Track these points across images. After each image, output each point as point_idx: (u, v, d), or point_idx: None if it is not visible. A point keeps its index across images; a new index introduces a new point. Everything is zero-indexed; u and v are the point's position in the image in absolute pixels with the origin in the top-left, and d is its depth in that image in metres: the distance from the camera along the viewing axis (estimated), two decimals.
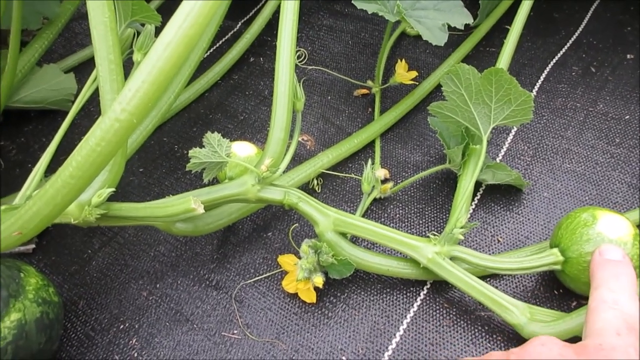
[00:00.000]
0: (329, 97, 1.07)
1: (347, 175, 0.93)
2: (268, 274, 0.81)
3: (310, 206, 0.75)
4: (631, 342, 0.51)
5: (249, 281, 0.81)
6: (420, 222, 0.87)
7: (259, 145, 0.95)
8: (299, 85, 0.76)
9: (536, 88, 1.03)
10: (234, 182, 0.74)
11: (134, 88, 0.50)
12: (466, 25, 0.90)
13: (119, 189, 0.94)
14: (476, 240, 0.84)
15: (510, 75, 1.04)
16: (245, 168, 0.75)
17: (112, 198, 0.70)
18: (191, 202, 0.63)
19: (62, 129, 0.80)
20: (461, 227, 0.72)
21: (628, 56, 1.06)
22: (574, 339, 0.68)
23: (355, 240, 0.84)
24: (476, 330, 0.74)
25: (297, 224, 0.86)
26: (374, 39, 1.18)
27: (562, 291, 0.77)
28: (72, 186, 0.54)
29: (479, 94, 0.75)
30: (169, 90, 0.95)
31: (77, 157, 0.53)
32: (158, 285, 0.82)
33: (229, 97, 1.11)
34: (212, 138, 0.71)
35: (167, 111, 0.95)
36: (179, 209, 0.63)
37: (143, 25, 0.82)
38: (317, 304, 0.77)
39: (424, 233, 0.86)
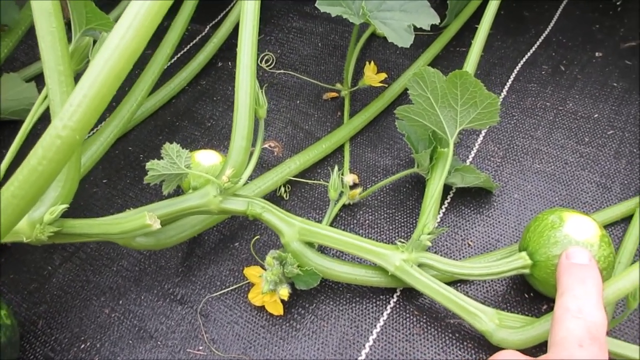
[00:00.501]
0: (298, 101, 1.05)
1: (315, 181, 0.91)
2: (234, 287, 0.79)
3: (274, 216, 0.73)
4: (594, 353, 0.50)
5: (215, 294, 0.78)
6: (391, 227, 0.86)
7: (225, 153, 0.93)
8: (262, 91, 0.74)
9: (506, 88, 1.03)
10: (195, 194, 0.72)
11: (75, 103, 0.48)
12: (434, 26, 0.89)
13: (82, 202, 0.92)
14: (446, 245, 0.83)
15: (481, 75, 1.05)
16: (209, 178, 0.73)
17: (74, 212, 0.67)
18: (146, 217, 0.60)
19: (17, 141, 0.77)
20: (429, 234, 0.71)
21: (597, 54, 1.06)
22: (544, 344, 0.67)
23: (323, 249, 0.82)
24: (447, 337, 0.72)
25: (258, 236, 0.84)
26: (344, 41, 1.17)
27: (533, 294, 0.76)
28: (15, 206, 0.52)
29: (445, 97, 0.74)
30: (131, 99, 0.93)
31: (19, 176, 0.51)
32: (121, 302, 0.79)
33: (196, 103, 1.08)
34: (171, 149, 0.69)
35: (130, 120, 0.92)
36: (134, 225, 0.61)
37: None
38: (284, 316, 0.75)
39: (394, 238, 0.84)
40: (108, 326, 0.77)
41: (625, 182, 0.87)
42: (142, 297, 0.79)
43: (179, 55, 1.19)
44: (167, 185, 0.71)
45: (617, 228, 0.82)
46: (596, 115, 0.96)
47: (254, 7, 0.72)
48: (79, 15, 0.77)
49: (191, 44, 1.21)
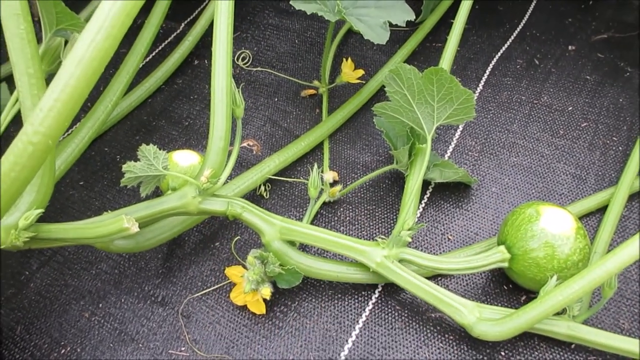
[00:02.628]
0: (276, 99, 1.05)
1: (295, 179, 0.91)
2: (216, 287, 0.79)
3: (254, 215, 0.73)
4: None
5: (196, 295, 0.78)
6: (371, 223, 0.86)
7: (203, 152, 0.92)
8: (238, 90, 0.74)
9: (482, 82, 1.04)
10: (174, 195, 0.71)
11: (46, 107, 0.47)
12: (410, 22, 0.89)
13: (58, 205, 0.90)
14: (427, 240, 0.84)
15: (457, 69, 1.05)
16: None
17: (50, 215, 0.66)
18: (124, 221, 0.59)
19: None
20: (409, 229, 0.71)
21: (570, 47, 1.07)
22: (523, 335, 0.69)
23: (305, 247, 0.82)
24: (428, 331, 0.73)
25: (239, 237, 0.84)
26: (321, 38, 1.16)
27: (512, 286, 0.78)
28: None
29: (422, 93, 0.74)
30: (106, 99, 0.91)
31: None
32: (101, 305, 0.78)
33: (173, 103, 1.07)
34: (148, 150, 0.68)
35: (105, 121, 0.91)
36: (111, 229, 0.60)
37: None
38: (267, 315, 0.75)
39: (374, 234, 0.85)
40: (88, 330, 0.76)
41: (600, 173, 0.89)
42: (123, 300, 0.78)
43: (154, 53, 1.18)
44: (145, 187, 0.70)
45: (592, 219, 0.84)
46: (570, 108, 0.97)
47: (227, 5, 0.71)
48: (49, 15, 0.75)
49: (166, 42, 1.20)
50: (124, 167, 0.67)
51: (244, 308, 0.75)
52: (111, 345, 0.74)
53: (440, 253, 0.82)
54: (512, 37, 1.11)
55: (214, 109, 0.71)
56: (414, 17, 0.88)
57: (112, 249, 0.72)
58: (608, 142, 0.92)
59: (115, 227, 0.60)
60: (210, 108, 0.71)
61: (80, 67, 0.46)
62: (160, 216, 0.71)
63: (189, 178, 0.69)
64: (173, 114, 1.05)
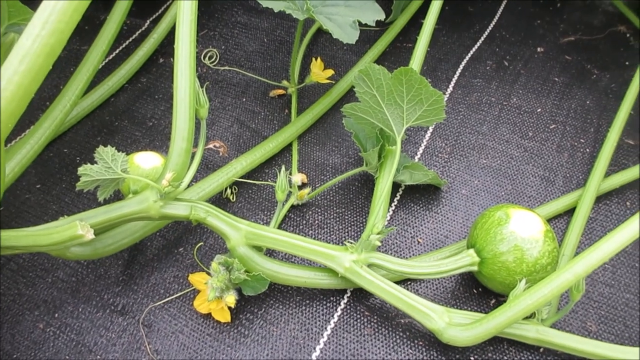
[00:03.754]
0: (244, 99, 1.02)
1: (262, 182, 0.89)
2: (179, 294, 0.76)
3: (219, 220, 0.70)
4: None
5: (159, 303, 0.75)
6: (340, 227, 0.84)
7: (167, 154, 0.89)
8: (203, 90, 0.71)
9: (452, 83, 1.03)
10: (134, 199, 0.68)
11: None
12: (381, 21, 0.88)
13: (13, 209, 0.86)
14: (397, 243, 0.82)
15: (428, 70, 1.04)
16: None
17: (4, 219, 0.62)
18: (77, 228, 0.56)
19: None
20: (378, 233, 0.70)
21: (538, 49, 1.08)
22: (493, 339, 0.68)
23: (272, 252, 0.80)
24: (397, 337, 0.72)
25: (202, 243, 0.81)
26: (290, 36, 1.14)
27: (482, 290, 0.77)
28: None
29: (391, 94, 0.73)
30: (64, 99, 0.87)
31: None
32: (57, 315, 0.74)
33: (136, 102, 1.03)
34: (105, 153, 0.65)
35: (63, 121, 0.87)
36: (65, 236, 0.57)
37: None
38: (232, 323, 0.73)
39: (344, 238, 0.83)
40: (43, 342, 0.72)
41: (568, 175, 0.89)
42: (80, 309, 0.75)
43: (117, 51, 1.14)
44: (103, 191, 0.67)
45: (560, 221, 0.84)
46: (539, 110, 0.98)
47: (191, 3, 0.68)
48: (2, 10, 0.71)
49: (130, 39, 1.16)
50: (80, 170, 0.64)
51: (208, 316, 0.73)
52: (67, 357, 0.71)
53: (411, 256, 0.81)
54: (482, 39, 1.11)
55: (176, 110, 0.68)
56: (384, 16, 0.87)
57: (68, 257, 0.68)
58: (576, 144, 0.93)
59: (69, 234, 0.57)
60: (173, 108, 0.68)
61: (25, 64, 0.43)
62: (119, 221, 0.68)
63: (149, 181, 0.66)
64: (137, 113, 1.01)
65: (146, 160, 0.79)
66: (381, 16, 0.87)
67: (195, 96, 0.70)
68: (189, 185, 0.80)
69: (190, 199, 0.71)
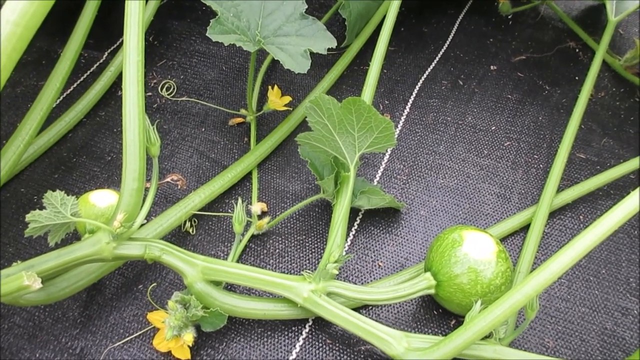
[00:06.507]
0: (203, 129, 1.02)
1: (222, 213, 0.89)
2: (138, 333, 0.75)
3: (174, 257, 0.70)
4: None
5: (118, 343, 0.74)
6: (301, 254, 0.85)
7: None
8: (153, 128, 0.71)
9: (409, 104, 1.05)
10: (87, 242, 0.67)
11: None
12: (338, 45, 0.89)
13: None
14: (357, 268, 0.83)
15: (385, 92, 1.06)
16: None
17: None
18: (23, 279, 0.56)
19: None
20: (335, 262, 0.70)
21: (492, 67, 1.10)
22: None
23: (231, 286, 0.79)
24: None
25: (161, 279, 0.81)
26: (248, 63, 1.15)
27: (442, 311, 0.78)
28: None
29: (342, 123, 0.74)
30: (17, 139, 0.86)
31: None
32: None
33: (95, 137, 1.02)
34: (54, 197, 0.65)
35: (17, 162, 0.86)
36: (11, 287, 0.56)
37: None
38: (193, 359, 0.72)
39: (305, 266, 0.83)
40: None
41: (523, 191, 0.91)
42: (37, 355, 0.73)
43: (75, 85, 1.13)
44: (53, 236, 0.67)
45: (517, 237, 0.85)
46: (493, 128, 1.00)
47: (137, 41, 0.68)
48: None
49: (88, 72, 1.15)
50: (28, 217, 0.63)
51: (168, 354, 0.72)
52: None
53: (371, 281, 0.81)
54: (437, 59, 1.13)
55: (125, 151, 0.68)
56: (336, 44, 0.88)
57: (22, 303, 0.67)
58: (530, 160, 0.95)
59: (15, 285, 0.56)
60: (122, 148, 0.68)
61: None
62: (73, 264, 0.67)
63: (99, 224, 0.66)
64: (95, 148, 1.00)
65: (102, 199, 0.78)
66: (332, 44, 0.88)
67: (145, 135, 0.69)
68: (147, 221, 0.80)
69: (145, 237, 0.71)
